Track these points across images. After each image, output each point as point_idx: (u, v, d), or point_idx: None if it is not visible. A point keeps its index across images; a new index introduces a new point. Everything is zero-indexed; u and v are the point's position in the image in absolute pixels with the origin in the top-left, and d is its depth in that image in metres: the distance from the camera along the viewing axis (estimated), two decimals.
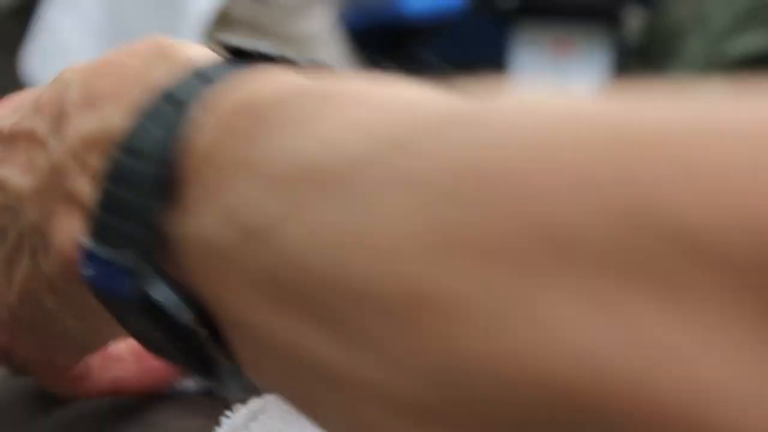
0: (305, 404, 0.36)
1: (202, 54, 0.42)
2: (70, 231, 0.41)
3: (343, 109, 0.35)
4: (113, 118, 0.41)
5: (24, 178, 0.44)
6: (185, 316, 0.38)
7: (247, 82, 0.39)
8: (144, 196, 0.38)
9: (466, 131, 0.32)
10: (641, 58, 1.45)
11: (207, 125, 0.38)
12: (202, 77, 0.40)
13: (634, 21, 1.47)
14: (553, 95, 0.32)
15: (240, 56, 0.42)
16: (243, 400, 0.49)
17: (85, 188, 0.41)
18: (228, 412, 0.49)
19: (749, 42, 1.35)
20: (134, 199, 0.39)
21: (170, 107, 0.40)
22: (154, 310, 0.38)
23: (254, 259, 0.35)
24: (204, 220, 0.37)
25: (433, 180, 0.31)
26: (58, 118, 0.43)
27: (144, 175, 0.39)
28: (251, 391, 0.48)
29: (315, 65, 0.42)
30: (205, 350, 0.39)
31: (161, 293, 0.38)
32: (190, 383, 0.53)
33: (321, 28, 1.39)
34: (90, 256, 0.39)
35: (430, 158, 0.31)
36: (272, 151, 0.36)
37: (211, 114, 0.38)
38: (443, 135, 0.32)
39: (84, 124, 0.42)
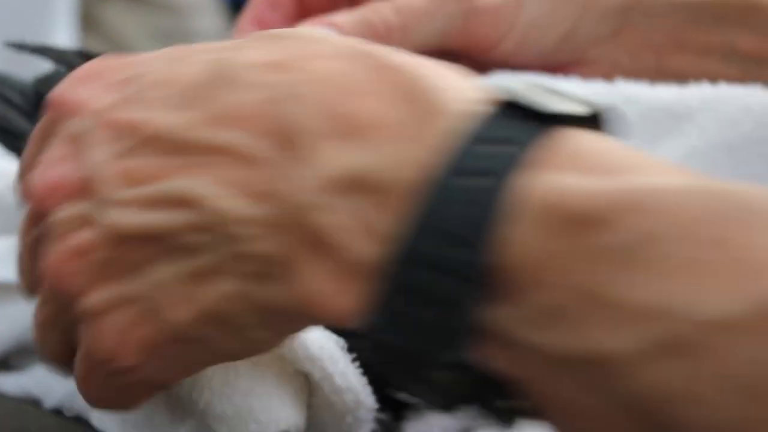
0: None
1: (469, 97, 0.40)
2: (321, 281, 0.39)
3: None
4: (384, 157, 0.39)
5: (243, 203, 0.40)
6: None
7: (563, 169, 0.38)
8: (458, 285, 0.37)
9: None
10: None
11: (525, 223, 0.37)
12: (506, 143, 0.38)
13: None
14: None
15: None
16: None
17: (353, 244, 0.38)
18: None
19: None
20: (442, 284, 0.37)
21: (480, 181, 0.37)
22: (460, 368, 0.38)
23: (595, 383, 0.36)
24: (527, 324, 0.37)
25: None
26: (290, 141, 0.40)
27: (458, 262, 0.37)
28: None
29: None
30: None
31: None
32: None
33: None
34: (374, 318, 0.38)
35: None
36: (633, 293, 0.36)
37: (528, 208, 0.37)
38: None
39: (341, 160, 0.39)
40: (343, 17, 0.66)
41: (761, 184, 0.65)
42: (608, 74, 0.71)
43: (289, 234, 0.39)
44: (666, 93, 0.69)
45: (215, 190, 0.40)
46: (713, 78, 0.72)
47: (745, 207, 0.37)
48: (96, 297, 0.43)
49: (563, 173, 0.38)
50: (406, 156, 0.38)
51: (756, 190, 0.38)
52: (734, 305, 0.35)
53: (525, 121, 0.39)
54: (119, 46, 0.99)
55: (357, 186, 0.39)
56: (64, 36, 1.15)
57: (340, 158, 0.39)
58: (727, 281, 0.35)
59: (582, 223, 0.37)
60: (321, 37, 0.43)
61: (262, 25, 0.69)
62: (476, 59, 0.69)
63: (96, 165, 0.43)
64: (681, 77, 0.72)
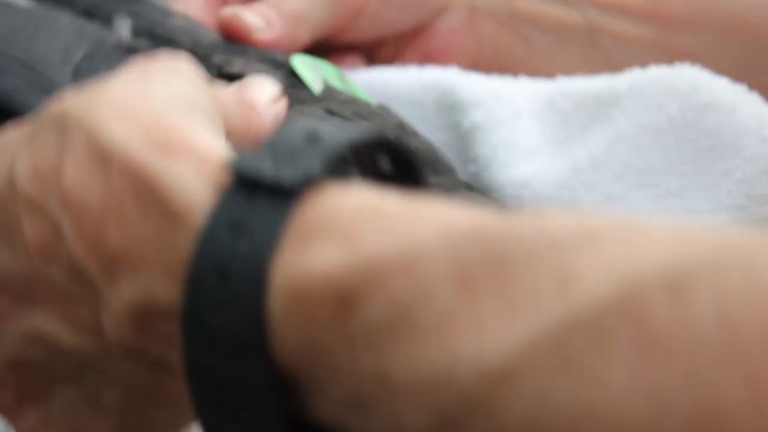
0: None
1: (202, 185, 0.41)
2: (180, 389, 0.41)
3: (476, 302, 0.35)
4: (155, 290, 0.40)
5: (77, 338, 0.44)
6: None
7: (311, 240, 0.38)
8: (249, 396, 0.38)
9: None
10: None
11: (286, 320, 0.37)
12: (239, 230, 0.39)
13: None
14: None
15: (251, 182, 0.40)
16: None
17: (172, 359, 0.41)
18: None
19: None
20: (235, 397, 0.38)
21: (223, 282, 0.38)
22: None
23: None
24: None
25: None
26: (82, 276, 0.43)
27: (240, 375, 0.38)
28: None
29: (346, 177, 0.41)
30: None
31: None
32: None
33: None
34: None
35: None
36: (413, 364, 0.36)
37: (283, 303, 0.37)
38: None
39: (124, 295, 0.41)
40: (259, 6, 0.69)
41: (690, 168, 0.65)
42: (469, 20, 0.72)
43: (136, 363, 0.43)
44: (598, 82, 0.68)
45: (56, 327, 0.44)
46: (562, 26, 0.71)
47: (495, 247, 0.36)
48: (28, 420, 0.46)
49: (306, 253, 0.38)
50: (166, 285, 0.40)
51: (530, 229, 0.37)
52: (512, 344, 0.34)
53: (265, 196, 0.39)
54: None
55: (145, 314, 0.41)
56: None
57: (122, 294, 0.41)
58: (498, 321, 0.35)
59: (338, 304, 0.37)
60: (83, 130, 0.44)
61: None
62: (352, 38, 0.71)
63: None
64: (532, 23, 0.72)
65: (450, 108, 0.68)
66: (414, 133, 0.65)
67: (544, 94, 0.69)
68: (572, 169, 0.66)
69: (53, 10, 0.63)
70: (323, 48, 0.72)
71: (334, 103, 0.64)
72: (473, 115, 0.67)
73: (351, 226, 0.38)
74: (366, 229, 0.38)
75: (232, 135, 0.53)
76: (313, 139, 0.41)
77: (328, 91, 0.65)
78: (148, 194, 0.41)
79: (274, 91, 0.59)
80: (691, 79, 0.66)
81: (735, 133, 0.64)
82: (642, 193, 0.65)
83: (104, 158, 0.43)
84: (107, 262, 0.41)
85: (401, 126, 0.65)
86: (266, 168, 0.40)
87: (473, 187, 0.64)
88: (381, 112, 0.65)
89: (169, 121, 0.43)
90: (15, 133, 0.48)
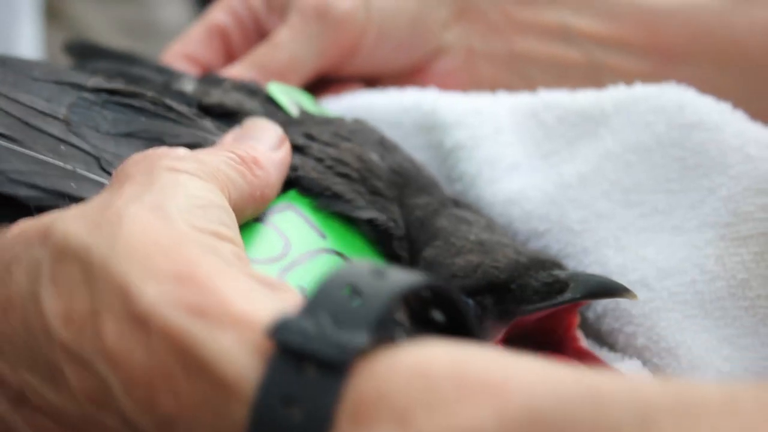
0: None
1: (253, 347, 0.41)
2: None
3: None
4: None
5: None
6: None
7: (366, 420, 0.39)
8: None
9: None
10: None
11: None
12: (291, 402, 0.39)
13: None
14: None
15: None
16: None
17: None
18: None
19: None
20: None
21: None
22: None
23: None
24: None
25: None
26: (131, 426, 0.43)
27: None
28: None
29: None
30: None
31: None
32: None
33: None
34: None
35: None
36: None
37: None
38: None
39: None
40: (239, 68, 0.71)
41: (676, 186, 0.65)
42: (467, 61, 0.75)
43: None
44: (583, 97, 0.69)
45: None
46: (562, 64, 0.72)
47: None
48: None
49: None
50: None
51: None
52: None
53: (315, 368, 0.40)
54: (83, 37, 0.99)
55: None
56: (28, 28, 1.15)
57: None
58: None
59: None
60: (114, 284, 0.44)
61: (193, 61, 0.73)
62: (350, 72, 0.73)
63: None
64: (533, 62, 0.73)
65: (430, 128, 0.69)
66: (395, 148, 0.66)
67: (525, 107, 0.70)
68: (559, 185, 0.66)
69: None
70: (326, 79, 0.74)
71: (312, 126, 0.65)
72: (455, 135, 0.68)
73: (404, 405, 0.38)
74: (420, 408, 0.38)
75: (240, 201, 0.53)
76: (356, 292, 0.41)
77: (305, 115, 0.67)
78: (194, 363, 0.42)
79: (276, 134, 0.59)
80: (677, 98, 0.66)
81: (720, 152, 0.65)
82: (629, 211, 0.66)
83: (141, 320, 0.43)
84: (162, 423, 0.42)
85: (382, 141, 0.66)
86: (312, 336, 0.40)
87: (461, 203, 0.65)
88: (359, 127, 0.66)
89: (198, 273, 0.44)
90: (20, 237, 0.48)
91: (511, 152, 0.68)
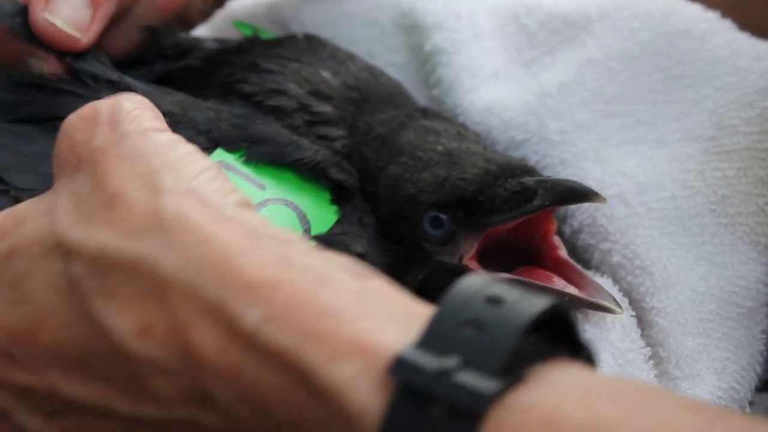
0: None
1: (373, 384, 0.40)
2: None
3: None
4: None
5: None
6: None
7: None
8: None
9: None
10: None
11: None
12: None
13: None
14: None
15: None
16: None
17: None
18: None
19: None
20: None
21: None
22: None
23: None
24: None
25: None
26: (237, 425, 0.42)
27: None
28: None
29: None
30: None
31: None
32: None
33: None
34: None
35: None
36: None
37: None
38: None
39: None
40: None
41: (660, 97, 0.63)
42: None
43: None
44: (566, 2, 0.66)
45: None
46: None
47: None
48: None
49: None
50: None
51: None
52: None
53: (442, 412, 0.39)
54: None
55: None
56: None
57: None
58: None
59: None
60: (197, 300, 0.43)
61: None
62: None
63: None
64: None
65: (409, 29, 0.67)
66: (350, 58, 0.64)
67: (506, 11, 0.67)
68: (539, 94, 0.64)
69: None
70: None
71: (258, 54, 0.63)
72: (434, 38, 0.66)
73: None
74: None
75: None
76: (477, 326, 0.40)
77: (253, 42, 0.65)
78: (313, 387, 0.41)
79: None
80: (664, 5, 0.64)
81: (707, 62, 0.63)
82: (610, 122, 0.64)
83: (247, 340, 0.42)
84: (276, 426, 0.41)
85: (333, 54, 0.64)
86: (439, 377, 0.39)
87: (429, 113, 0.63)
88: (309, 45, 0.64)
89: (295, 285, 0.42)
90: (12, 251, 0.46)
91: (491, 59, 0.66)
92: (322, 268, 0.43)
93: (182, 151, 0.47)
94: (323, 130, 0.61)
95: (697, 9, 0.64)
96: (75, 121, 0.48)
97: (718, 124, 0.62)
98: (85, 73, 0.59)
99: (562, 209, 0.62)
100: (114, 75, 0.60)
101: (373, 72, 0.64)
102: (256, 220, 0.45)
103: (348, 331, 0.41)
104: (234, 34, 0.68)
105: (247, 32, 0.67)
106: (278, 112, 0.60)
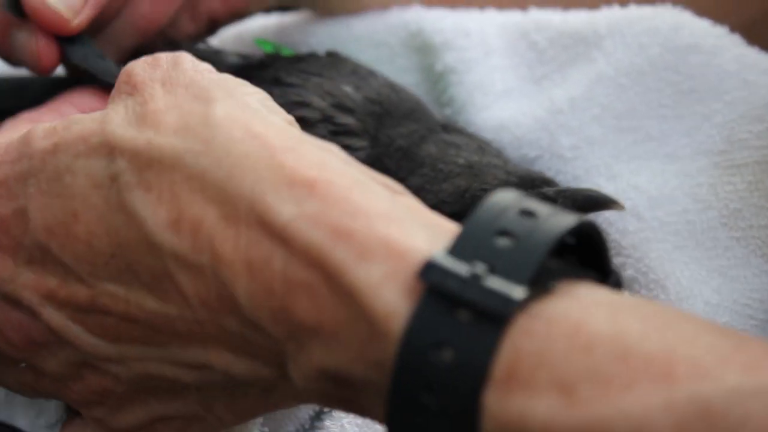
0: None
1: (400, 285, 0.40)
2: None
3: None
4: (350, 368, 0.40)
5: (251, 368, 0.44)
6: None
7: (525, 384, 0.38)
8: None
9: None
10: None
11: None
12: (442, 348, 0.38)
13: None
14: None
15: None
16: None
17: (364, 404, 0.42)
18: None
19: None
20: None
21: (431, 401, 0.38)
22: None
23: None
24: None
25: None
26: (254, 328, 0.43)
27: None
28: None
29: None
30: None
31: None
32: None
33: None
34: None
35: None
36: None
37: (494, 428, 0.38)
38: None
39: (314, 360, 0.42)
40: None
41: (670, 112, 0.63)
42: None
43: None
44: (576, 18, 0.67)
45: (226, 359, 0.45)
46: None
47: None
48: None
49: (522, 399, 0.37)
50: (362, 367, 0.41)
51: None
52: None
53: (469, 315, 0.39)
54: None
55: (337, 378, 0.42)
56: None
57: (311, 358, 0.42)
58: None
59: None
60: (234, 193, 0.43)
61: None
62: None
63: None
64: None
65: (419, 49, 0.67)
66: (371, 75, 0.65)
67: (515, 27, 0.67)
68: (550, 111, 0.65)
69: None
70: None
71: (280, 68, 0.64)
72: (445, 58, 0.66)
73: (567, 377, 0.37)
74: (584, 380, 0.37)
75: None
76: (510, 236, 0.40)
77: (273, 57, 0.66)
78: (340, 287, 0.41)
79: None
80: (673, 20, 0.64)
81: (716, 76, 0.63)
82: (621, 137, 0.64)
83: (278, 234, 0.42)
84: (294, 330, 0.42)
85: (355, 70, 0.64)
86: (468, 282, 0.39)
87: (450, 127, 0.64)
88: (331, 60, 0.64)
89: (333, 184, 0.42)
90: (58, 147, 0.47)
91: (502, 77, 0.66)
92: (359, 175, 0.43)
93: (236, 81, 0.48)
94: (347, 141, 0.61)
95: (706, 24, 0.64)
96: (136, 62, 0.49)
97: (729, 138, 0.62)
98: (74, 57, 0.60)
99: None
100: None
101: (394, 88, 0.64)
102: (302, 133, 0.46)
103: (380, 233, 0.41)
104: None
105: (269, 49, 0.67)
106: (303, 123, 0.61)
